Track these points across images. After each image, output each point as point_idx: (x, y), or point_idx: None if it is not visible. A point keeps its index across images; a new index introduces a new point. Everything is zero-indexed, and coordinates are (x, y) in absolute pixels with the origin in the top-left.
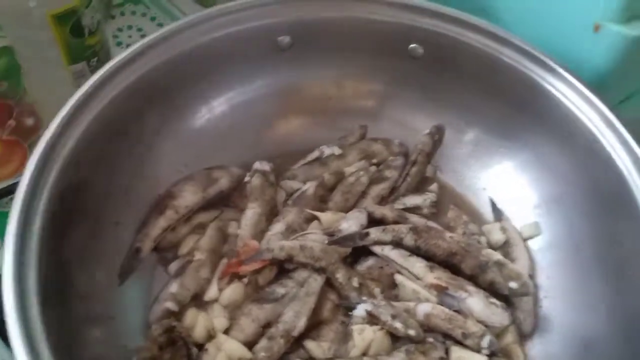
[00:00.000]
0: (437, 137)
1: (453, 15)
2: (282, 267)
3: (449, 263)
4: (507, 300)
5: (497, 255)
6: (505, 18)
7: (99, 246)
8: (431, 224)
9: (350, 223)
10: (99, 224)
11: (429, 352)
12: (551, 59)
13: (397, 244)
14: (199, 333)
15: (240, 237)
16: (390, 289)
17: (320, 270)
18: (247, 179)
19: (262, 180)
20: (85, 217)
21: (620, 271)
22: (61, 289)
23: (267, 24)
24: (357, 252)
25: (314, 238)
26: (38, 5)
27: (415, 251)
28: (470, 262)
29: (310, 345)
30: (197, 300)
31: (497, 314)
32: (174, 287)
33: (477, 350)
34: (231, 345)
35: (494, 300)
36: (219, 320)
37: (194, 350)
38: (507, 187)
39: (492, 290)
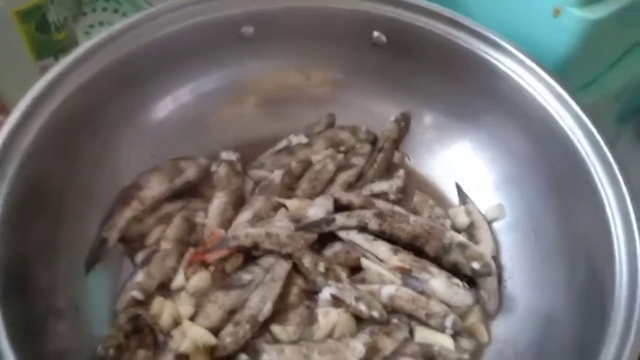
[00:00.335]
0: (403, 124)
1: (415, 3)
2: (250, 255)
3: (413, 246)
4: (471, 281)
5: (460, 237)
6: (467, 5)
7: (62, 238)
8: (397, 208)
9: (317, 209)
10: (61, 216)
11: (393, 333)
12: (506, 41)
13: (363, 228)
14: (165, 320)
15: (207, 226)
16: (357, 273)
17: (286, 256)
18: (213, 168)
19: (228, 170)
20: (47, 209)
21: (575, 249)
22: (22, 282)
23: (230, 15)
24: (324, 237)
25: (280, 225)
26: (2, 2)
27: (380, 235)
28: (433, 244)
29: (276, 329)
30: (164, 289)
31: (459, 294)
32: (140, 277)
33: (441, 330)
34: (196, 331)
35: (456, 281)
36: (185, 307)
37: (160, 337)
38: (471, 171)
39: (455, 271)
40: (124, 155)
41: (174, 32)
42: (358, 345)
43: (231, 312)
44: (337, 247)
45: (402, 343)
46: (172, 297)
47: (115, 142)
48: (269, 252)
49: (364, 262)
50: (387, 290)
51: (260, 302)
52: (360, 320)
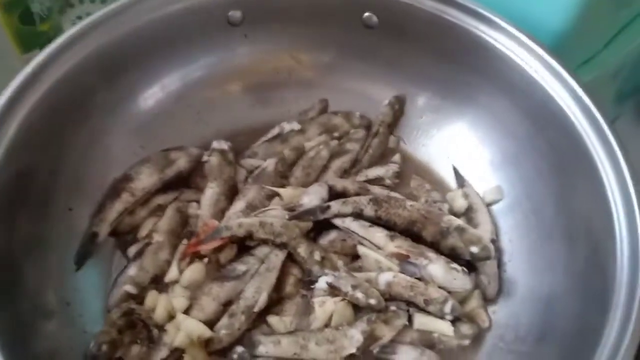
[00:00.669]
0: (397, 107)
1: None
2: (244, 245)
3: (410, 231)
4: (471, 265)
5: (458, 221)
6: None
7: (51, 233)
8: (393, 194)
9: (311, 197)
10: (49, 210)
11: (391, 320)
12: (501, 19)
13: (358, 215)
14: (159, 314)
15: (200, 217)
16: (354, 261)
17: (281, 246)
18: (205, 158)
19: (220, 159)
20: (33, 204)
21: (575, 230)
22: (8, 279)
23: None
24: (319, 226)
25: (274, 214)
26: None
27: (376, 221)
28: (431, 229)
29: (273, 320)
30: (158, 283)
31: (458, 279)
32: (132, 270)
33: (441, 316)
34: (190, 324)
35: (455, 265)
36: (178, 300)
37: (155, 331)
38: (469, 153)
39: (454, 256)
40: (113, 146)
41: (160, 17)
42: (355, 334)
43: (226, 304)
44: (332, 235)
45: (400, 330)
46: (166, 290)
47: (103, 133)
48: (264, 241)
49: (361, 249)
50: (384, 277)
51: (256, 293)
52: (357, 309)
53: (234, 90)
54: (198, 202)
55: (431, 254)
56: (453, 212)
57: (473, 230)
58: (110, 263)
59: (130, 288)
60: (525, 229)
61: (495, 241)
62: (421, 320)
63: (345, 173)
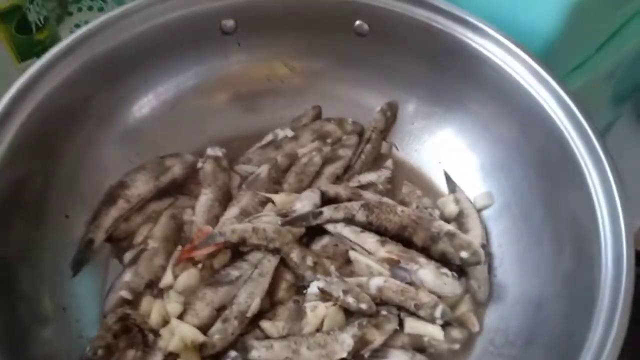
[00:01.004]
0: (389, 113)
1: None
2: (238, 251)
3: (401, 237)
4: (462, 270)
5: (448, 227)
6: None
7: (47, 240)
8: (384, 199)
9: (304, 203)
10: (44, 217)
11: (382, 324)
12: (489, 26)
13: (350, 220)
14: (154, 320)
15: (194, 223)
16: (346, 266)
17: (274, 251)
18: (199, 165)
19: (214, 166)
20: (29, 211)
21: (562, 234)
22: (4, 286)
23: (210, 8)
24: (312, 231)
25: (267, 220)
26: None
27: (368, 227)
28: (421, 234)
29: (265, 325)
30: (153, 288)
31: (448, 284)
32: (127, 276)
33: (431, 320)
34: (184, 329)
35: (445, 270)
36: (173, 305)
37: (150, 336)
38: (459, 159)
39: (444, 261)
40: (108, 153)
41: (153, 26)
42: (347, 338)
43: (220, 309)
44: (325, 240)
45: (391, 335)
46: (161, 295)
47: (98, 141)
48: (257, 247)
49: (352, 254)
50: (375, 282)
51: (249, 298)
52: (349, 313)
53: (227, 98)
54: (192, 208)
55: (422, 259)
56: (444, 218)
57: (463, 235)
58: (106, 269)
59: (125, 293)
60: (515, 234)
61: (485, 246)
62: (412, 325)
63: (337, 179)
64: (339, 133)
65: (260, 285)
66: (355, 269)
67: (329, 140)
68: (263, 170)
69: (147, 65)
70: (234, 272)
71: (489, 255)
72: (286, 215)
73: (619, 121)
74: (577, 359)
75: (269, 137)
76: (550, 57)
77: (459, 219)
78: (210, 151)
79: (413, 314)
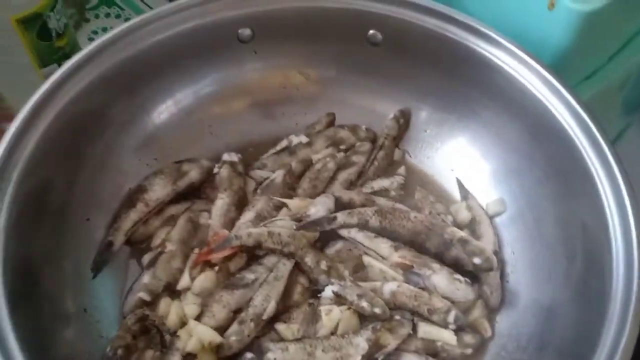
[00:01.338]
0: (402, 121)
1: (410, 1)
2: (253, 254)
3: (414, 242)
4: (474, 276)
5: (461, 233)
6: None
7: (69, 242)
8: (397, 205)
9: (318, 208)
10: (67, 221)
11: (395, 329)
12: (501, 36)
13: (363, 226)
14: (171, 321)
15: (211, 227)
16: (360, 271)
17: (289, 255)
18: (216, 170)
19: (230, 171)
20: (52, 214)
21: (573, 242)
22: (30, 286)
23: (227, 17)
24: (326, 236)
25: (282, 224)
26: (2, 11)
27: (381, 232)
28: (434, 240)
29: (280, 327)
30: (171, 290)
31: (461, 290)
32: (146, 278)
33: (444, 325)
34: (202, 330)
35: (458, 276)
36: (190, 307)
37: (167, 337)
38: (471, 167)
39: (457, 266)
40: (127, 158)
41: (172, 35)
42: (361, 342)
43: (236, 311)
44: (339, 245)
45: (405, 339)
46: (179, 297)
47: (118, 146)
48: (272, 251)
49: (366, 259)
50: (389, 287)
51: (264, 301)
52: (363, 317)
53: (243, 105)
54: (209, 212)
55: (435, 265)
56: (457, 224)
57: (476, 242)
58: (125, 271)
59: (144, 295)
60: (527, 241)
61: (497, 253)
62: (425, 329)
63: (351, 185)
64: (353, 140)
65: (275, 288)
66: (369, 274)
67: (342, 147)
68: (278, 175)
69: (166, 72)
70: (249, 275)
71: (501, 262)
72: (300, 220)
73: (630, 130)
74: None
75: (283, 143)
76: (562, 66)
77: (471, 226)
78: (226, 156)
79: (426, 319)
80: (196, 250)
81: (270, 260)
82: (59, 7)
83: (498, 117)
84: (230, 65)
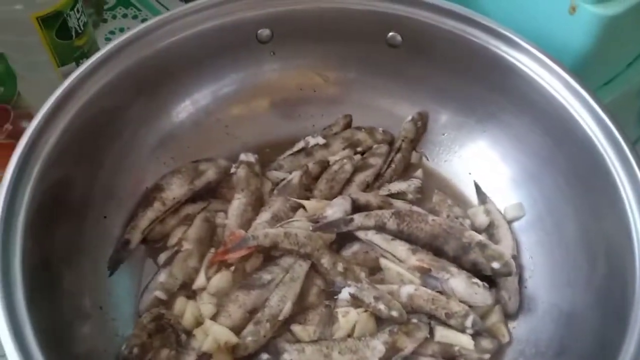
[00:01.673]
0: (420, 123)
1: (429, 2)
2: (269, 255)
3: (432, 246)
4: (491, 280)
5: (479, 237)
6: (484, 4)
7: (86, 240)
8: (415, 208)
9: (335, 209)
10: (85, 218)
11: (412, 332)
12: (523, 39)
13: (381, 228)
14: (187, 320)
15: (227, 226)
16: (376, 273)
17: (305, 256)
18: (233, 170)
19: (247, 171)
20: (71, 212)
21: (595, 247)
22: (48, 283)
23: (246, 17)
24: (342, 237)
25: (299, 225)
26: (23, 9)
27: (398, 235)
28: (452, 243)
29: (296, 328)
30: (186, 289)
31: (479, 294)
32: (162, 277)
33: (461, 329)
34: (217, 330)
35: (476, 280)
36: (206, 306)
37: (183, 336)
38: (490, 170)
39: (475, 271)
40: (145, 157)
41: (192, 35)
42: (378, 345)
43: (252, 312)
44: (355, 247)
45: (422, 343)
46: (194, 297)
47: (136, 145)
48: (288, 252)
49: (383, 262)
50: (406, 290)
51: (280, 302)
52: (379, 320)
53: (261, 105)
54: (225, 212)
55: (453, 269)
56: (475, 228)
57: (495, 246)
58: (141, 269)
59: (160, 294)
60: (547, 246)
61: (516, 257)
62: (442, 333)
63: (368, 187)
64: (370, 142)
65: (292, 289)
66: (386, 277)
67: (359, 149)
68: (295, 176)
69: (184, 72)
70: (266, 276)
71: (519, 267)
72: (317, 221)
73: None
74: None
75: (300, 145)
76: (581, 71)
77: (489, 230)
78: (243, 157)
79: (443, 323)
80: (212, 250)
81: (286, 261)
82: (79, 6)
83: (518, 120)
84: (249, 65)
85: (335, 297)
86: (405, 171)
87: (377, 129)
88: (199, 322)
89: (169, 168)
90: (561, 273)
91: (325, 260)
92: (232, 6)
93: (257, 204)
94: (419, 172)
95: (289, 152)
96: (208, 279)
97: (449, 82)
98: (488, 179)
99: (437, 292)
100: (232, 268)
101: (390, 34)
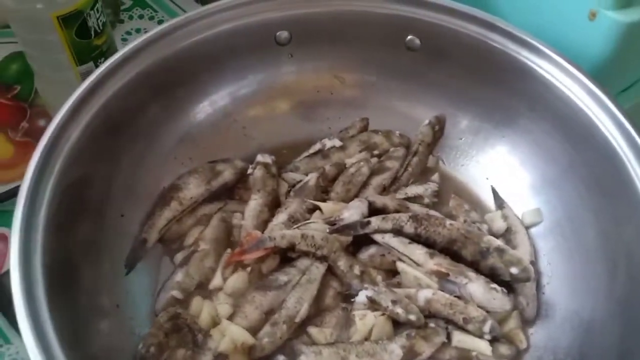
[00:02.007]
0: (437, 127)
1: (448, 6)
2: (286, 256)
3: (449, 250)
4: (509, 286)
5: (498, 242)
6: (503, 9)
7: (105, 238)
8: (432, 212)
9: (352, 212)
10: (103, 217)
11: (430, 337)
12: (543, 45)
13: (398, 231)
14: (203, 320)
15: (243, 227)
16: (393, 277)
17: (322, 259)
18: (249, 171)
19: (263, 172)
20: (90, 210)
21: (616, 256)
22: (67, 280)
23: (265, 19)
24: (359, 240)
25: (316, 227)
26: (44, 8)
27: (415, 239)
28: (470, 248)
29: (313, 330)
30: (203, 289)
31: (498, 299)
32: (179, 276)
33: (479, 335)
34: (234, 330)
35: (494, 285)
36: (223, 307)
37: (199, 336)
38: (508, 175)
39: (493, 276)
40: (163, 157)
41: (210, 36)
42: (395, 349)
43: (268, 313)
44: (372, 250)
45: (439, 347)
46: (210, 296)
47: (154, 145)
48: (305, 253)
49: (400, 265)
50: (424, 294)
51: (297, 304)
52: (396, 324)
53: (278, 107)
54: (241, 213)
55: (471, 273)
56: (492, 233)
57: (513, 251)
58: (158, 269)
59: (176, 293)
60: (565, 252)
61: (533, 263)
62: (459, 338)
63: (384, 190)
64: (386, 145)
65: (308, 291)
66: (402, 280)
67: (376, 152)
68: (311, 178)
69: (203, 73)
70: (282, 277)
71: (537, 273)
72: (334, 224)
73: None
74: None
75: (316, 147)
76: (600, 78)
77: (506, 236)
78: (260, 158)
79: (461, 328)
80: (229, 251)
81: (303, 263)
82: (98, 5)
83: (537, 125)
84: (267, 67)
85: (352, 299)
86: (422, 175)
87: (394, 132)
88: (215, 322)
89: (186, 168)
90: (580, 280)
91: (342, 263)
92: (251, 8)
93: (274, 205)
94: (435, 176)
95: (305, 154)
96: (224, 279)
97: (468, 87)
98: (506, 184)
99: (455, 296)
100: (249, 269)
101: (409, 37)
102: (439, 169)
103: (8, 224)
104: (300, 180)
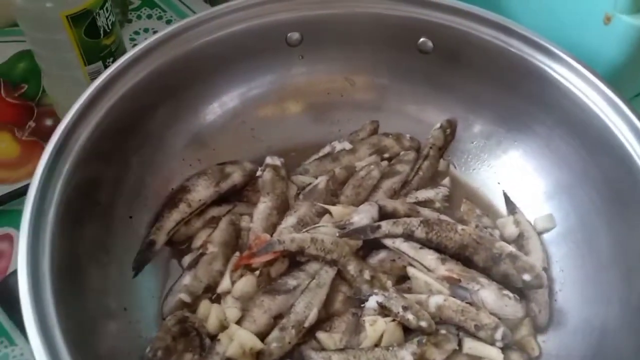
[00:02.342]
0: (448, 131)
1: (462, 9)
2: (294, 260)
3: (461, 255)
4: (521, 293)
5: (510, 248)
6: (517, 12)
7: (113, 240)
8: (443, 217)
9: (362, 216)
10: (112, 218)
11: (441, 343)
12: (559, 49)
13: (409, 236)
14: (211, 324)
15: (252, 230)
16: (403, 282)
17: (331, 263)
18: (258, 173)
19: (273, 175)
20: (98, 211)
21: (630, 264)
22: (75, 281)
23: (276, 21)
24: (369, 245)
25: (325, 231)
26: (53, 7)
27: (426, 244)
28: (482, 254)
29: (322, 336)
30: (211, 292)
31: (510, 306)
32: (187, 279)
33: (491, 342)
34: (243, 335)
35: (507, 292)
36: (231, 311)
37: (207, 340)
38: (520, 181)
39: (505, 282)
40: (171, 158)
41: (221, 37)
42: (406, 355)
43: (277, 317)
44: (382, 255)
45: (450, 354)
46: (218, 300)
47: (163, 146)
48: (314, 257)
49: (411, 270)
50: (435, 300)
51: (306, 308)
52: (407, 330)
53: (288, 109)
54: (250, 215)
55: (483, 280)
56: (503, 239)
57: (526, 257)
58: (166, 271)
59: (184, 296)
60: (578, 259)
61: (546, 270)
62: (471, 345)
63: (394, 194)
64: (397, 148)
65: (318, 295)
66: (413, 286)
67: (386, 155)
68: (321, 181)
69: (212, 75)
70: (291, 282)
71: (549, 279)
72: (343, 228)
73: None
74: None
75: (326, 149)
76: (615, 82)
77: (518, 241)
78: (269, 160)
79: (472, 335)
80: (237, 254)
81: (312, 266)
82: (108, 5)
83: (552, 131)
84: (277, 69)
85: (362, 305)
86: (433, 179)
87: (404, 135)
88: (223, 326)
89: (195, 170)
90: (593, 288)
91: (352, 267)
92: (262, 9)
93: (283, 208)
94: (446, 181)
95: (315, 156)
96: (233, 282)
97: (480, 90)
98: (518, 190)
99: (467, 303)
100: (257, 272)
101: (422, 39)
102: (450, 173)
103: (13, 224)
104: (310, 183)
